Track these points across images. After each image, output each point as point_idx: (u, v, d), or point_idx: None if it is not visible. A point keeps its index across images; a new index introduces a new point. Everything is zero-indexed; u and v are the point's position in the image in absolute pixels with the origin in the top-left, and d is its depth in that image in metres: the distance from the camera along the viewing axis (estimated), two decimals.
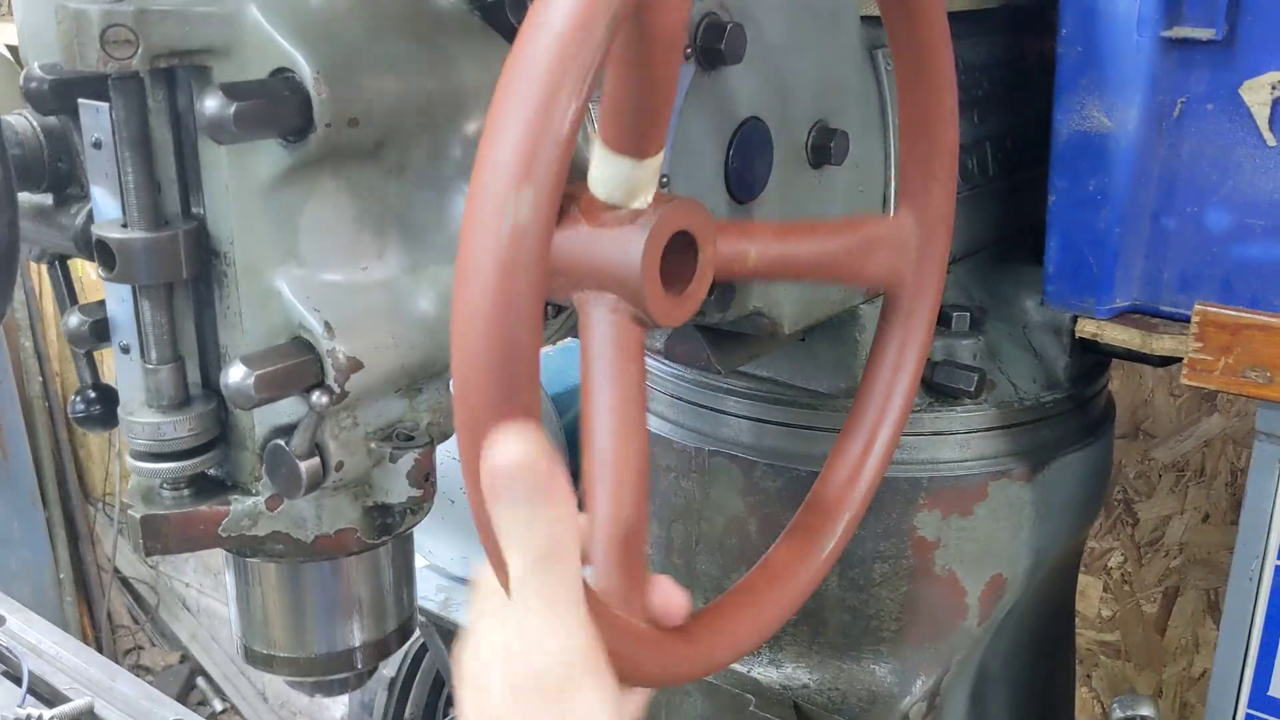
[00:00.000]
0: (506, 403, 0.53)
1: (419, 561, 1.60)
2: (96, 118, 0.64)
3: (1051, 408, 1.13)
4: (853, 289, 0.96)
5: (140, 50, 0.58)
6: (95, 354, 0.77)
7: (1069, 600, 1.42)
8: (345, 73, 0.61)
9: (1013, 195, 1.23)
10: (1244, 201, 0.96)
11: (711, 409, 1.13)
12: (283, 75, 0.60)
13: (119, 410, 0.69)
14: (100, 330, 0.71)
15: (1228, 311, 0.93)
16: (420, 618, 1.65)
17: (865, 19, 0.95)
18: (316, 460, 0.66)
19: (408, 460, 0.70)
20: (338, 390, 0.64)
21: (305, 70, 0.59)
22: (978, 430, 1.09)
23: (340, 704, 3.20)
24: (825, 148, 0.89)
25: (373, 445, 0.69)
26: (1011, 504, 1.11)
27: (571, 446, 1.47)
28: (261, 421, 0.67)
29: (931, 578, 1.11)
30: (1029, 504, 1.12)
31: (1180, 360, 1.02)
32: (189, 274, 0.63)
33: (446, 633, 1.56)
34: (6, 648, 1.20)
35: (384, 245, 0.67)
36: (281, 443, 0.66)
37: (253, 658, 0.74)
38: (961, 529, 1.10)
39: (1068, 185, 1.00)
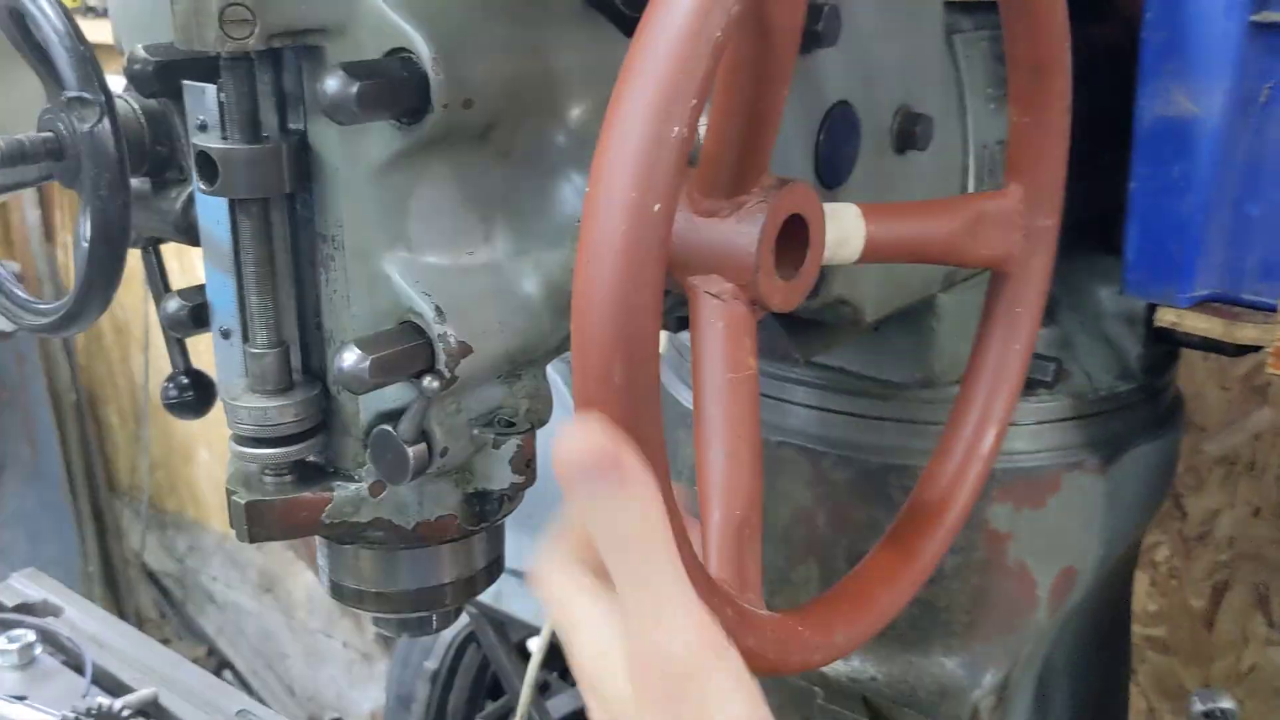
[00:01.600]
0: (627, 390, 0.53)
1: None
2: (202, 100, 0.63)
3: (1125, 398, 1.11)
4: (937, 277, 0.95)
5: (257, 29, 0.57)
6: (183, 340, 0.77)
7: (1128, 594, 1.41)
8: (461, 54, 0.60)
9: (1080, 185, 1.21)
10: None
11: (778, 399, 1.12)
12: (399, 56, 0.59)
13: (221, 395, 0.68)
14: (199, 315, 0.70)
15: None
16: (471, 609, 1.65)
17: (947, 4, 0.95)
18: (423, 446, 0.65)
19: (510, 447, 0.69)
20: (448, 375, 0.63)
21: (424, 51, 0.58)
22: (1051, 421, 1.08)
23: (370, 698, 3.20)
24: (910, 133, 0.88)
25: (475, 431, 0.68)
26: (1084, 496, 1.10)
27: None
28: (366, 407, 0.66)
29: (1003, 570, 1.10)
30: (1101, 496, 1.11)
31: (1256, 350, 1.02)
32: (290, 187, 0.62)
33: (498, 624, 1.55)
34: (67, 638, 1.19)
35: (490, 229, 0.66)
36: (388, 428, 0.65)
37: (341, 594, 0.74)
38: (1033, 521, 1.09)
39: (1150, 171, 0.99)
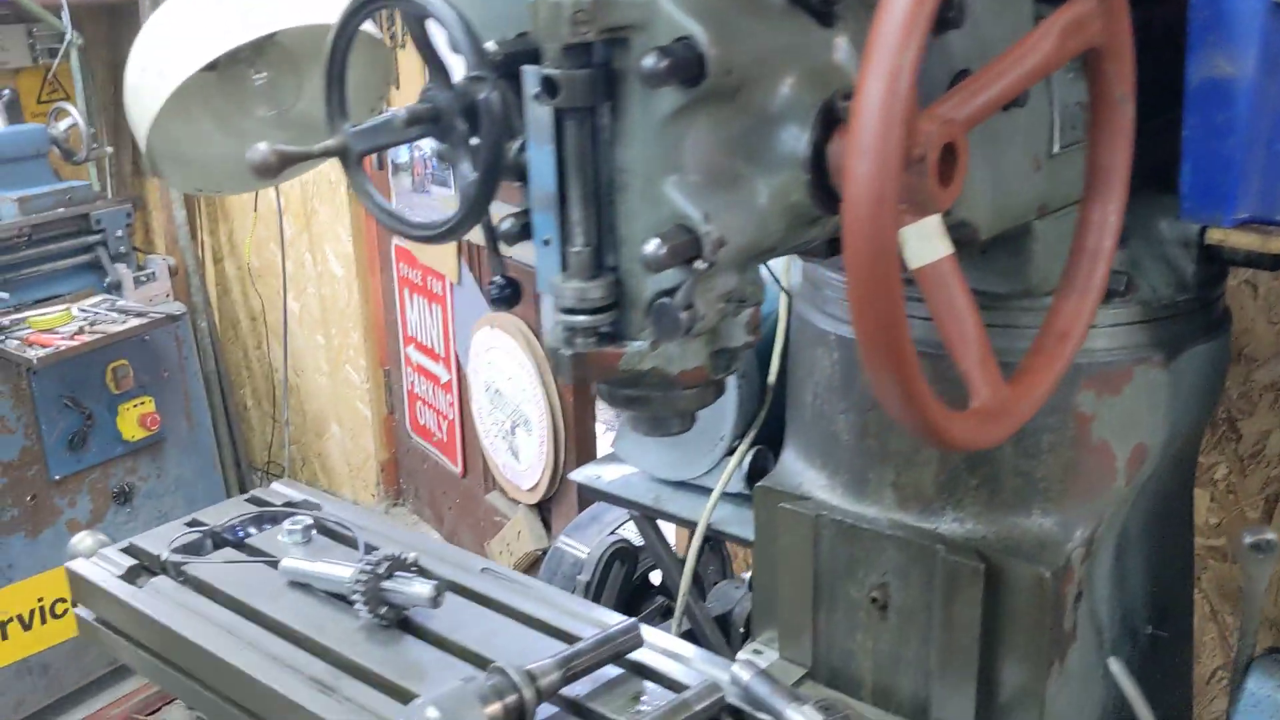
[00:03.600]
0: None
1: (629, 469, 1.89)
2: (536, 78, 0.93)
3: (1182, 307, 1.39)
4: (1033, 206, 1.23)
5: (594, 27, 0.87)
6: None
7: (1189, 486, 1.68)
8: (725, 39, 0.89)
9: (1142, 141, 1.49)
10: None
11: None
12: (683, 41, 0.89)
13: (541, 285, 0.98)
14: (525, 231, 1.00)
15: None
16: (634, 511, 1.95)
17: None
18: (690, 311, 0.95)
19: (745, 314, 0.98)
20: (711, 259, 0.92)
21: (703, 38, 0.88)
22: (1124, 324, 1.36)
23: None
24: None
25: (720, 304, 0.98)
26: (1151, 386, 1.37)
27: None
28: (649, 286, 0.96)
29: (1089, 446, 1.38)
30: (1165, 386, 1.38)
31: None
32: (602, 102, 0.90)
33: (656, 526, 1.85)
34: (335, 521, 1.50)
35: (734, 160, 0.96)
36: (666, 299, 0.95)
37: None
38: (1112, 405, 1.37)
39: (1199, 121, 1.27)
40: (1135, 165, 1.47)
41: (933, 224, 0.94)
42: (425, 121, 0.96)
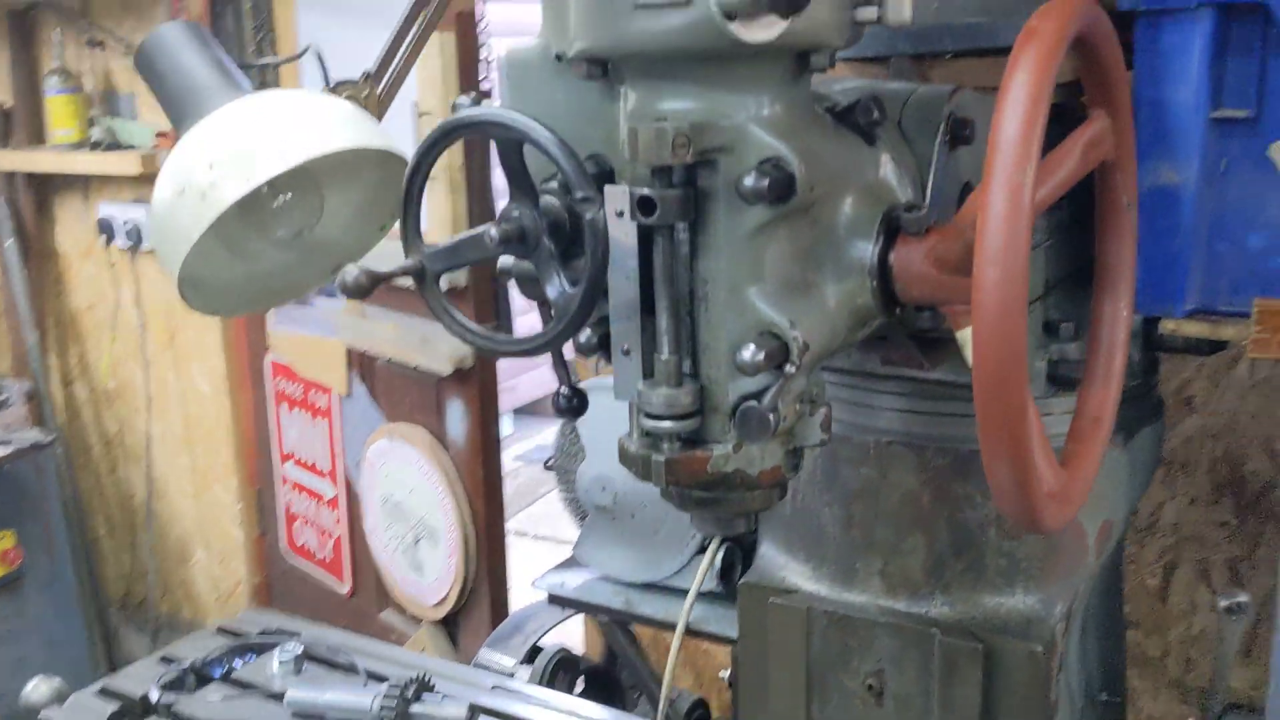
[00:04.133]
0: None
1: (594, 573, 1.90)
2: (619, 195, 0.97)
3: (1135, 391, 1.51)
4: None
5: (690, 150, 0.92)
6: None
7: (1122, 559, 1.81)
8: (807, 158, 0.96)
9: (1088, 238, 1.63)
10: (1273, 227, 1.37)
11: (889, 409, 1.48)
12: (772, 162, 0.95)
13: (621, 394, 1.01)
14: (605, 341, 1.03)
15: (1277, 302, 1.34)
16: (603, 617, 1.95)
17: None
18: (776, 414, 0.99)
19: (820, 414, 1.03)
20: (798, 363, 0.98)
21: (793, 160, 0.94)
22: None
23: None
24: None
25: (796, 405, 1.03)
26: (1114, 466, 1.49)
27: None
28: (733, 391, 1.00)
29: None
30: (1124, 465, 1.50)
31: (1224, 346, 1.43)
32: (692, 217, 0.95)
33: (628, 631, 1.85)
34: (327, 647, 1.44)
35: (806, 268, 1.02)
36: (754, 403, 0.99)
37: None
38: None
39: (1149, 224, 1.40)
40: (1080, 256, 1.61)
41: None
42: (514, 241, 0.98)
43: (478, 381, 2.70)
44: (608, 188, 0.97)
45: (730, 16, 0.88)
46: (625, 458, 1.04)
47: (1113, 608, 1.75)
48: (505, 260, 1.07)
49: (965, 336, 1.03)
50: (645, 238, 0.97)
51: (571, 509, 1.91)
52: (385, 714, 1.29)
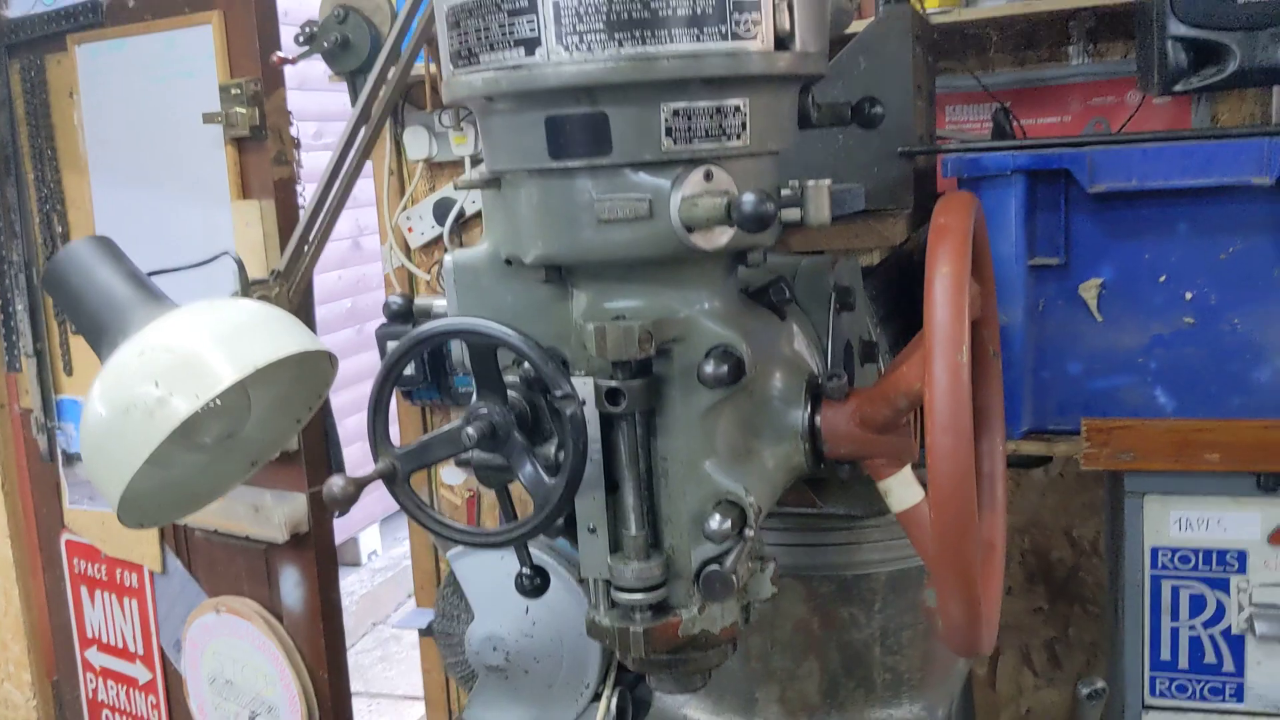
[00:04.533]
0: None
1: None
2: (584, 387, 1.05)
3: None
4: None
5: (653, 346, 1.02)
6: None
7: None
8: (750, 341, 1.07)
9: None
10: (1088, 355, 1.59)
11: (777, 545, 1.60)
12: (722, 349, 1.05)
13: (600, 565, 1.07)
14: (571, 526, 1.09)
15: (1100, 420, 1.54)
16: None
17: None
18: (736, 575, 1.08)
19: (770, 569, 1.13)
20: (755, 527, 1.07)
21: (740, 344, 1.04)
22: None
23: None
24: (870, 353, 1.43)
25: (749, 563, 1.12)
26: None
27: None
28: (695, 558, 1.08)
29: (938, 635, 1.62)
30: None
31: (1049, 461, 1.63)
32: (651, 406, 1.04)
33: None
34: None
35: (748, 436, 1.12)
36: (716, 567, 1.07)
37: None
38: None
39: None
40: None
41: (908, 472, 1.15)
42: (487, 438, 1.04)
43: (313, 545, 2.65)
44: (577, 380, 1.05)
45: (690, 229, 0.98)
46: (596, 631, 1.10)
47: (967, 704, 1.91)
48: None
49: (887, 486, 1.15)
50: (606, 423, 1.06)
51: (455, 672, 1.92)
52: None
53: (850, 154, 1.65)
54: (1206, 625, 1.55)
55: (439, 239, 2.77)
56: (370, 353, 3.14)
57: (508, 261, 1.11)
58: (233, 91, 2.49)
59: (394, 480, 1.05)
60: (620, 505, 1.07)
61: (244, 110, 2.47)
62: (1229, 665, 1.55)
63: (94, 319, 1.20)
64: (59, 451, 3.17)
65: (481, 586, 1.83)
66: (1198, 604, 1.56)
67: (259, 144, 2.53)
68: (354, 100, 2.49)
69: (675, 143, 0.98)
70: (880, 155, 1.65)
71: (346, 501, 0.98)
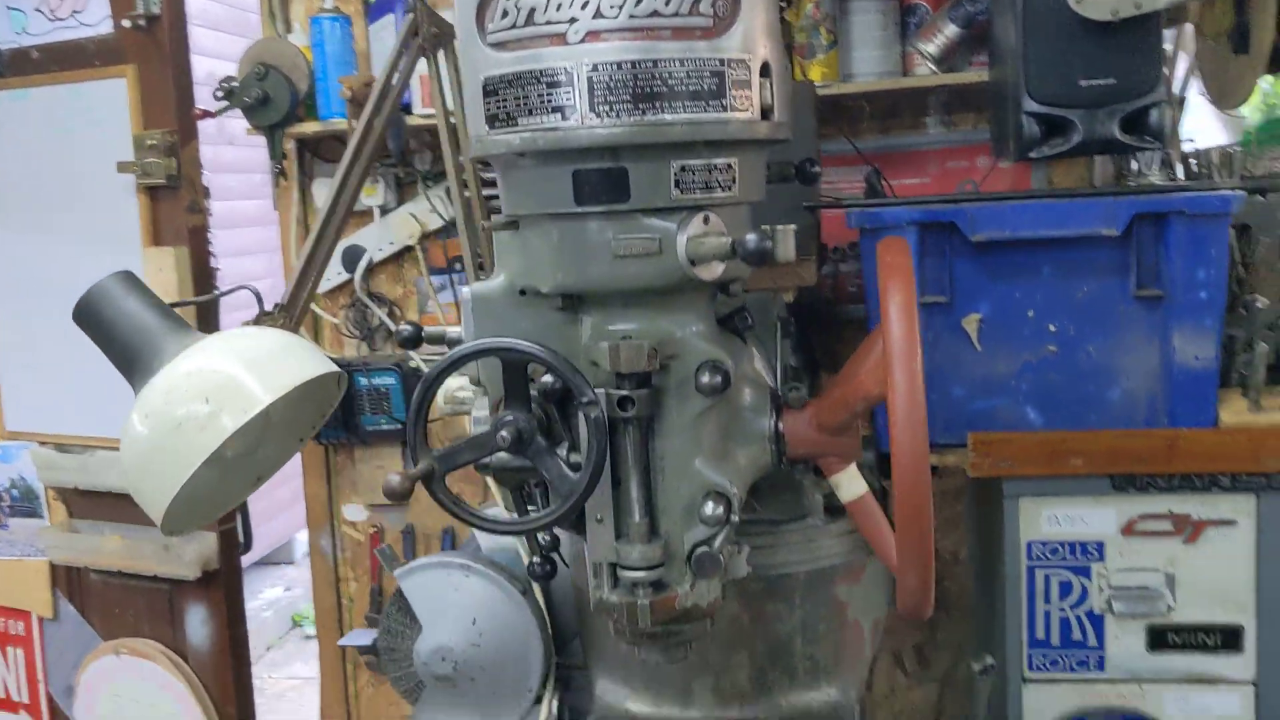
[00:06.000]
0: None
1: None
2: (607, 398, 1.23)
3: None
4: None
5: (658, 360, 1.22)
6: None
7: None
8: (732, 358, 1.28)
9: None
10: (969, 380, 1.86)
11: None
12: (712, 363, 1.26)
13: (594, 556, 1.26)
14: (581, 520, 1.27)
15: (984, 435, 1.81)
16: None
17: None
18: (722, 555, 1.28)
19: (745, 551, 1.33)
20: (738, 514, 1.28)
21: (727, 360, 1.25)
22: (854, 531, 1.87)
23: None
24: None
25: (729, 547, 1.32)
26: (877, 572, 1.89)
27: None
28: (688, 540, 1.28)
29: (847, 625, 1.85)
30: (882, 572, 1.91)
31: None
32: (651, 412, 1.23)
33: None
34: None
35: (725, 439, 1.32)
36: (706, 548, 1.27)
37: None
38: (856, 591, 1.85)
39: None
40: None
41: (855, 468, 1.38)
42: (515, 442, 1.22)
43: (222, 582, 2.72)
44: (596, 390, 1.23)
45: (694, 263, 1.19)
46: (604, 607, 1.28)
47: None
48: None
49: (837, 480, 1.37)
50: (612, 427, 1.25)
51: (400, 685, 2.04)
52: None
53: (765, 207, 1.89)
54: (1074, 607, 1.83)
55: (346, 284, 2.90)
56: None
57: (522, 292, 1.29)
58: (148, 143, 2.58)
59: (432, 479, 1.22)
60: (624, 497, 1.26)
61: (160, 160, 2.56)
62: (1092, 640, 1.83)
63: (127, 347, 1.31)
64: None
65: (429, 601, 1.97)
66: (1065, 588, 1.83)
67: (173, 193, 2.62)
68: (272, 153, 2.62)
69: (682, 192, 1.19)
70: (789, 209, 1.90)
71: (404, 493, 1.14)
